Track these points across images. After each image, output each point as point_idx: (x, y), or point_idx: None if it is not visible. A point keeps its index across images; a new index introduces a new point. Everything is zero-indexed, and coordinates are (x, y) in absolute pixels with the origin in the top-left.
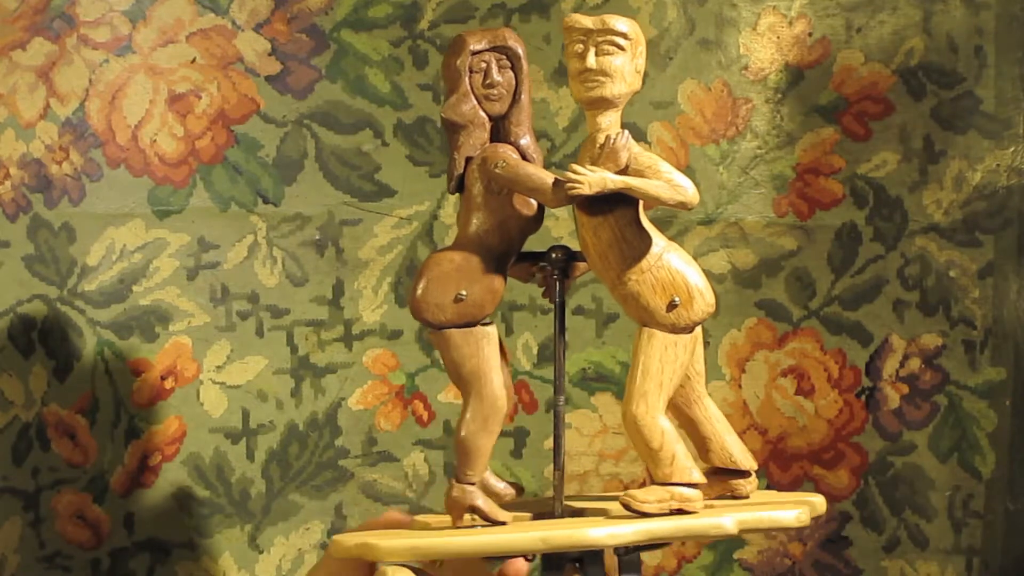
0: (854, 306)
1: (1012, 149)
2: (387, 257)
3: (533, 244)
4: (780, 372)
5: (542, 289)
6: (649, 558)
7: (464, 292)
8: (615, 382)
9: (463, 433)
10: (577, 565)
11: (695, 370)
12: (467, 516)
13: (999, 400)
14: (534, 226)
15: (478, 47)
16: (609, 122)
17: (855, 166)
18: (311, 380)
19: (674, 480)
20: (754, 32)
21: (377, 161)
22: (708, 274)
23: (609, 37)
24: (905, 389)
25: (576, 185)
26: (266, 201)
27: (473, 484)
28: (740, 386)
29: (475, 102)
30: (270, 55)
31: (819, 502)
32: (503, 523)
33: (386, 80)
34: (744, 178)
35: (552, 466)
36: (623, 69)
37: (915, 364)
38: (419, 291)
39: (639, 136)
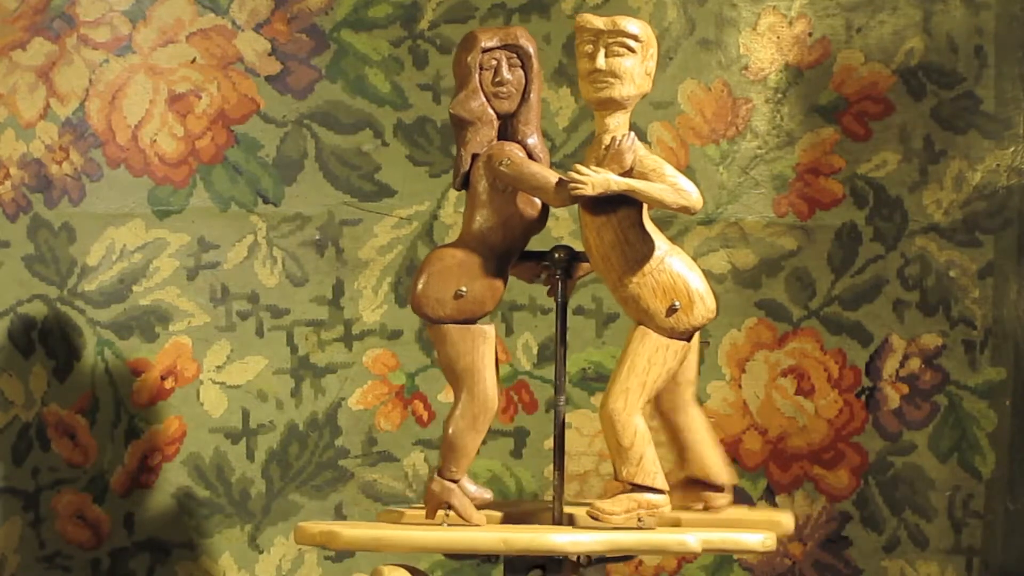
0: (854, 306)
1: (1012, 149)
2: (387, 257)
3: (533, 244)
4: (780, 372)
5: (545, 289)
6: (649, 558)
7: (465, 288)
8: None
9: (451, 430)
10: (541, 571)
11: (686, 377)
12: (440, 512)
13: (999, 400)
14: (538, 226)
15: (489, 44)
16: (617, 123)
17: (855, 166)
18: (311, 380)
19: (637, 480)
20: (754, 32)
21: (377, 161)
22: (708, 274)
23: (620, 39)
24: (905, 389)
25: (579, 185)
26: (266, 201)
27: (455, 481)
28: (740, 386)
29: (484, 99)
30: (270, 55)
31: (787, 520)
32: (476, 524)
33: (386, 80)
34: (744, 178)
35: (552, 466)
36: (633, 71)
37: (915, 364)
38: (420, 286)
39: (639, 136)
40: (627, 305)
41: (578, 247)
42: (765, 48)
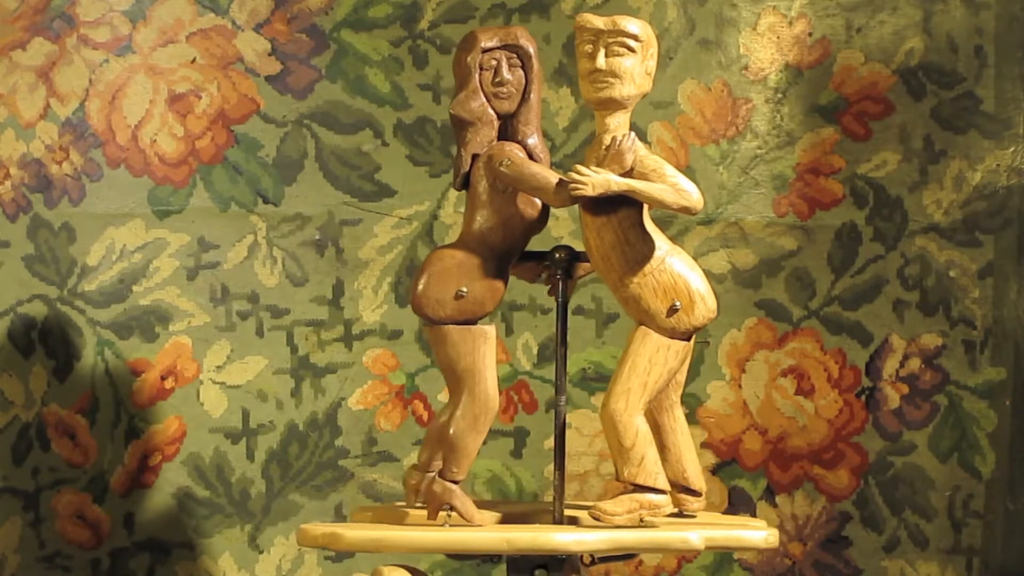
0: (854, 306)
1: (1012, 149)
2: (387, 257)
3: (533, 244)
4: (780, 372)
5: (545, 289)
6: (649, 558)
7: (465, 289)
8: None
9: (452, 431)
10: (544, 571)
11: (675, 379)
12: (442, 513)
13: (999, 400)
14: (538, 226)
15: (489, 44)
16: (618, 123)
17: (855, 166)
18: (311, 380)
19: (639, 481)
20: (754, 32)
21: (377, 161)
22: (708, 274)
23: (620, 38)
24: (905, 389)
25: (580, 186)
26: (266, 201)
27: (457, 482)
28: (740, 386)
29: (484, 99)
30: (270, 55)
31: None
32: (478, 525)
33: (386, 80)
34: (744, 178)
35: (552, 466)
36: (633, 71)
37: (915, 364)
38: (420, 286)
39: (639, 136)
40: (628, 305)
41: (578, 247)
42: (765, 48)
